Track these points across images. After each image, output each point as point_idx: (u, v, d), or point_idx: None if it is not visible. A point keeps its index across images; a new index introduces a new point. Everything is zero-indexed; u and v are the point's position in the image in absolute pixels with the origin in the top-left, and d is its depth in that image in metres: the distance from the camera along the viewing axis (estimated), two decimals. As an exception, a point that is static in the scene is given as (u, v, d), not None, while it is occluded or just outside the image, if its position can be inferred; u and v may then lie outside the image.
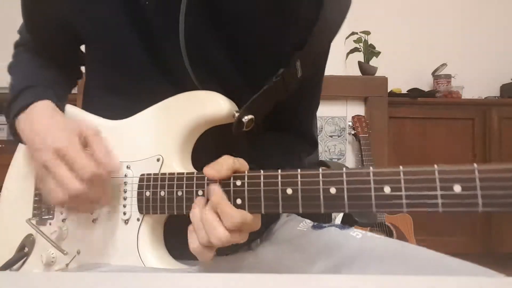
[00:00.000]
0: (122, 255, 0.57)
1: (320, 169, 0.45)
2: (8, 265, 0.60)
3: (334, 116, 2.16)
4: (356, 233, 0.59)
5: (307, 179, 0.46)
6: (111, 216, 0.59)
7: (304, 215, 0.70)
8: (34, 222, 0.63)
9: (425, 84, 2.60)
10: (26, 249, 0.62)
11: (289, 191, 0.46)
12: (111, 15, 0.57)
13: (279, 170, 0.47)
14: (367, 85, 2.13)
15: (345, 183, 0.44)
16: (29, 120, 0.57)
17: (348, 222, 0.73)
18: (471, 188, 0.38)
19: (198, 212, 0.49)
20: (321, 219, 0.67)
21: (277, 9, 0.56)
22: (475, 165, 0.38)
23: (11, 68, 0.69)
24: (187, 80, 0.57)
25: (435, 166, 0.40)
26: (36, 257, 0.62)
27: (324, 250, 0.58)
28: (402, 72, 2.55)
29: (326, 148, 2.17)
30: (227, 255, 0.62)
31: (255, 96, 0.56)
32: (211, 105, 0.55)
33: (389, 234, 1.89)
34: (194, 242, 0.49)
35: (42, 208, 0.64)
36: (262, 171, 0.48)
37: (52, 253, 0.61)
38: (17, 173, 0.71)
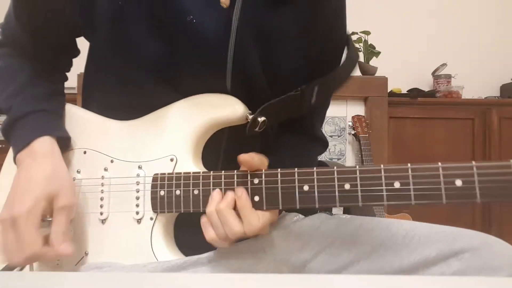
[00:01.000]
0: (135, 254, 0.57)
1: (335, 167, 0.50)
2: (6, 270, 0.60)
3: (334, 116, 2.16)
4: (345, 215, 0.66)
5: (323, 176, 0.50)
6: (122, 216, 0.59)
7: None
8: None
9: (425, 84, 2.60)
10: None
11: (306, 187, 0.50)
12: (136, 24, 0.56)
13: (296, 169, 0.51)
14: (367, 85, 2.13)
15: (358, 179, 0.48)
16: (20, 161, 0.58)
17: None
18: (470, 182, 0.44)
19: (214, 210, 0.52)
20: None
21: (315, 34, 0.62)
22: (473, 162, 0.44)
23: None
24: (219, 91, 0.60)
25: (439, 163, 0.46)
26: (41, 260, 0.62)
27: (317, 231, 0.64)
28: (402, 72, 2.55)
29: (326, 148, 2.17)
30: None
31: (271, 102, 0.59)
32: (226, 107, 0.58)
33: (389, 234, 1.89)
34: (211, 234, 0.53)
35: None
36: (279, 169, 0.52)
37: None
38: (11, 171, 0.69)
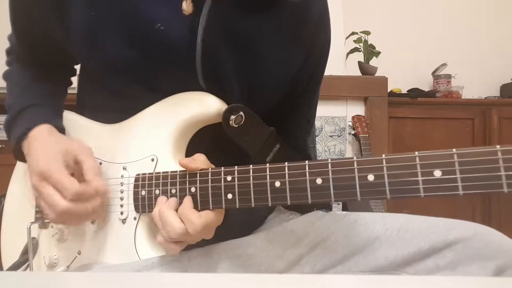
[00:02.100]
0: (120, 254, 0.57)
1: (307, 161, 0.47)
2: (12, 269, 0.61)
3: (334, 116, 2.16)
4: (340, 212, 0.67)
5: (294, 171, 0.47)
6: (109, 216, 0.59)
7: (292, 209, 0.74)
8: (36, 225, 0.64)
9: (425, 84, 2.60)
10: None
11: (278, 183, 0.48)
12: (109, 33, 0.57)
13: (267, 164, 0.49)
14: (367, 85, 2.13)
15: (330, 173, 0.45)
16: (28, 146, 0.60)
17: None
18: (451, 172, 0.39)
19: (157, 211, 0.53)
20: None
21: (295, 45, 0.63)
22: (454, 150, 0.39)
23: (6, 78, 0.71)
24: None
25: (416, 152, 0.41)
26: (40, 259, 0.63)
27: (313, 226, 0.65)
28: (402, 72, 2.55)
29: (326, 148, 2.17)
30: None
31: (246, 107, 0.59)
32: (201, 105, 0.57)
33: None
34: (158, 237, 0.53)
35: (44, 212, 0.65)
36: (251, 166, 0.50)
37: (55, 255, 0.62)
38: (20, 176, 0.71)
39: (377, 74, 2.21)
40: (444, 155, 0.40)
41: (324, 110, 2.13)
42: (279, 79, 0.64)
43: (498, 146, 0.38)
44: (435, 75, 2.52)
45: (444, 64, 2.49)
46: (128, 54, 0.57)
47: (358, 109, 2.14)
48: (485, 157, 0.38)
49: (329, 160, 0.45)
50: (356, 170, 0.44)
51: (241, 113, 0.57)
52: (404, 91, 2.41)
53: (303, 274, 0.60)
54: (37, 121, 0.61)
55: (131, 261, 0.56)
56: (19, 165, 0.73)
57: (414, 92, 2.34)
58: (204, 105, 0.57)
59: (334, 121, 2.17)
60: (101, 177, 0.57)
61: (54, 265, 0.62)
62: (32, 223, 0.63)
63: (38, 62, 0.70)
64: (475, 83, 2.57)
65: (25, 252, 0.63)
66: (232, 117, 0.57)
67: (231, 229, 0.61)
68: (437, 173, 0.40)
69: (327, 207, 0.69)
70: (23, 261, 0.62)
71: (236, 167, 0.51)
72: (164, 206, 0.52)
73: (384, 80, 2.13)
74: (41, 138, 0.60)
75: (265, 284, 0.38)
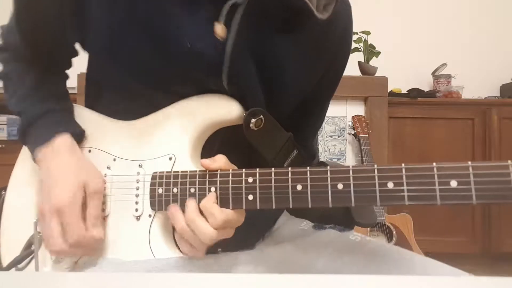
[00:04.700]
0: (134, 251, 0.58)
1: (328, 167, 0.48)
2: (14, 263, 0.61)
3: (334, 116, 2.17)
4: (355, 237, 0.65)
5: (316, 175, 0.49)
6: (123, 212, 0.60)
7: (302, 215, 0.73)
8: None
9: (425, 84, 2.60)
10: (33, 247, 0.62)
11: (299, 187, 0.49)
12: (137, 44, 0.56)
13: (289, 168, 0.50)
14: (367, 85, 2.13)
15: (351, 179, 0.47)
16: (46, 158, 0.61)
17: (348, 223, 0.74)
18: (466, 183, 0.42)
19: (184, 223, 0.52)
20: (321, 220, 0.69)
21: (310, 67, 0.63)
22: (470, 162, 0.43)
23: (5, 79, 0.69)
24: None
25: (434, 163, 0.44)
26: (45, 253, 0.63)
27: (325, 251, 0.62)
28: (402, 72, 2.56)
29: (326, 148, 2.17)
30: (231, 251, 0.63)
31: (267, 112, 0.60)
32: (223, 107, 0.58)
33: (389, 234, 1.89)
34: (185, 249, 0.54)
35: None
36: (273, 168, 0.51)
37: None
38: (24, 169, 0.71)
39: (377, 74, 2.21)
40: (460, 167, 0.43)
41: (324, 110, 2.13)
42: (298, 91, 0.64)
43: (509, 161, 0.42)
44: (435, 75, 2.52)
45: (444, 64, 2.49)
46: (153, 65, 0.57)
47: (358, 109, 2.15)
48: (498, 171, 0.42)
49: (351, 167, 0.47)
50: (376, 177, 0.46)
51: (261, 116, 0.58)
52: (404, 91, 2.41)
53: (304, 274, 0.59)
54: (56, 130, 0.61)
55: (144, 259, 0.56)
56: (22, 156, 0.72)
57: (414, 92, 2.34)
58: (225, 108, 0.58)
59: (334, 121, 2.17)
60: (100, 222, 0.58)
61: (61, 260, 0.62)
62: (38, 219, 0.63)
63: (40, 59, 0.68)
64: (475, 83, 2.57)
65: (27, 246, 0.63)
66: (253, 120, 0.57)
67: (240, 228, 0.62)
68: (453, 183, 0.43)
69: (341, 223, 0.68)
70: (26, 255, 0.62)
71: (257, 169, 0.52)
72: (191, 214, 0.52)
73: (384, 80, 2.13)
74: (60, 155, 0.60)
75: (266, 284, 0.38)
